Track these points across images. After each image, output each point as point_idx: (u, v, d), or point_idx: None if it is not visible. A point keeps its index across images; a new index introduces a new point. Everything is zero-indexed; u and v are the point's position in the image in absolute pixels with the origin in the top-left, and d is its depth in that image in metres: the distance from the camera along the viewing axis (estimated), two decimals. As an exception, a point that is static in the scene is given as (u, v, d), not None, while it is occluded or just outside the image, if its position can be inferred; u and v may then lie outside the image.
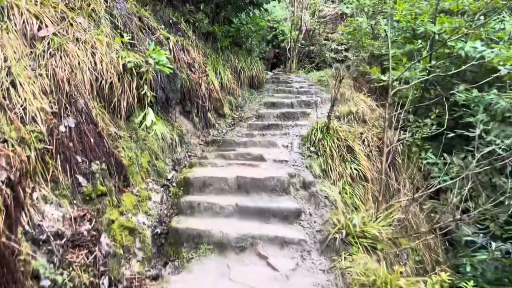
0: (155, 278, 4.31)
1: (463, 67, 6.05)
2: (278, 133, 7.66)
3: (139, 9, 6.78)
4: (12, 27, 4.14)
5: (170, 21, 7.92)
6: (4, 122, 3.46)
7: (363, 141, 7.16)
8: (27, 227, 3.26)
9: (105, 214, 4.16)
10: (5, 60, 3.80)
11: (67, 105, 4.24)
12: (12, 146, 3.36)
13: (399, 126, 7.01)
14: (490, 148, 6.38)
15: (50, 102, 4.07)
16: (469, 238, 6.27)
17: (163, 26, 7.38)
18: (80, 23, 5.01)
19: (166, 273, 4.35)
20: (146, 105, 5.69)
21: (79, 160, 4.10)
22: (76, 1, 5.23)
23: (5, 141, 3.33)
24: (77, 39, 4.80)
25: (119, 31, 5.74)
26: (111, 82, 5.00)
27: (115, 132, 4.99)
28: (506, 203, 5.66)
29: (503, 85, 6.92)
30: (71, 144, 4.07)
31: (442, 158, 7.52)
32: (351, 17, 13.33)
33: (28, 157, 3.50)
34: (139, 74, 5.45)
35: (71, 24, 4.87)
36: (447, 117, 6.01)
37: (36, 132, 3.70)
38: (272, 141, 7.04)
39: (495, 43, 7.45)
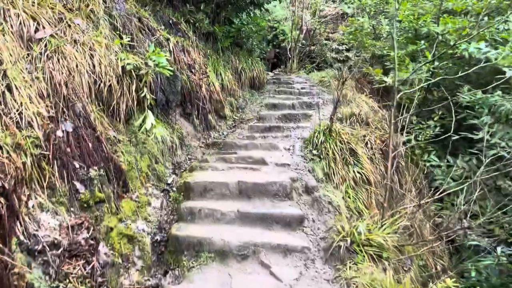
0: (155, 288, 4.22)
1: (471, 70, 5.92)
2: (279, 136, 7.55)
3: (139, 9, 6.67)
4: (8, 28, 4.02)
5: (170, 21, 7.81)
6: (-2, 128, 3.35)
7: (366, 143, 7.07)
8: (22, 237, 3.14)
9: (104, 222, 4.05)
10: (1, 63, 3.68)
11: (64, 109, 4.13)
12: (7, 152, 3.25)
13: (403, 129, 6.90)
14: (495, 151, 6.30)
15: (47, 106, 3.95)
16: (473, 243, 6.18)
17: (163, 27, 7.27)
18: (78, 24, 4.89)
19: (166, 283, 4.23)
20: (146, 107, 5.59)
21: (77, 166, 3.99)
22: (74, 1, 5.11)
23: (-1, 147, 3.22)
24: (75, 40, 4.68)
25: (118, 32, 5.63)
26: (110, 85, 4.88)
27: (114, 136, 4.88)
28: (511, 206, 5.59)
29: (507, 87, 6.82)
30: (68, 150, 3.96)
31: (445, 160, 7.43)
32: (352, 17, 13.24)
33: (24, 163, 3.38)
34: (138, 76, 5.33)
35: (69, 26, 4.75)
36: (453, 119, 5.89)
37: (32, 137, 3.58)
38: (274, 144, 6.93)
39: (499, 44, 7.35)
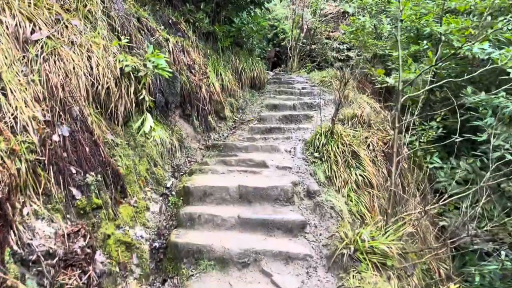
0: (153, 296, 4.12)
1: (477, 72, 5.81)
2: (280, 137, 7.45)
3: (138, 9, 6.56)
4: (4, 30, 3.91)
5: (170, 21, 7.69)
6: (-8, 133, 3.25)
7: (368, 145, 6.98)
8: (15, 247, 3.03)
9: (101, 229, 3.94)
10: (-5, 66, 3.58)
11: (61, 113, 4.02)
12: (1, 159, 3.14)
13: (405, 130, 6.81)
14: (499, 154, 6.21)
15: (43, 110, 3.85)
16: (478, 247, 6.10)
17: (162, 27, 7.16)
18: (75, 25, 4.78)
19: (165, 292, 4.14)
20: (145, 110, 5.49)
21: (73, 171, 3.89)
22: (71, 2, 5.00)
23: (-8, 154, 3.12)
24: (72, 42, 4.57)
25: (116, 33, 5.52)
26: (108, 87, 4.78)
27: (112, 140, 4.78)
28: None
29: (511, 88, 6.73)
30: (65, 154, 3.86)
31: (448, 162, 7.34)
32: (353, 16, 13.13)
33: (18, 169, 3.28)
34: (137, 78, 5.23)
35: (66, 27, 4.65)
36: (458, 121, 5.79)
37: (27, 142, 3.48)
38: (275, 146, 6.84)
39: (503, 44, 7.26)
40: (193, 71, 7.34)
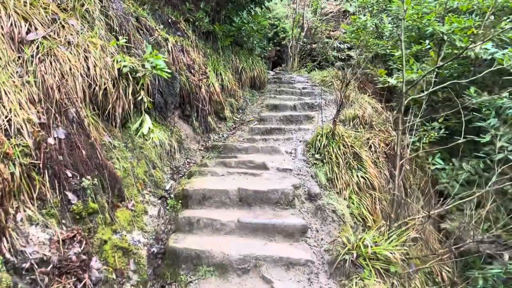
0: (150, 304, 4.02)
1: (482, 73, 5.72)
2: (281, 138, 7.36)
3: (137, 8, 6.46)
4: (-2, 30, 3.82)
5: (169, 20, 7.59)
6: (-16, 137, 3.15)
7: (370, 147, 6.89)
8: (7, 255, 2.94)
9: (97, 234, 3.84)
10: (-11, 67, 3.49)
11: (56, 115, 3.93)
12: (-6, 163, 3.06)
13: (408, 131, 6.71)
14: (502, 155, 6.13)
15: (38, 112, 3.75)
16: (482, 249, 6.01)
17: (161, 26, 7.05)
18: (72, 25, 4.69)
19: (163, 300, 4.04)
20: (143, 111, 5.40)
21: (69, 175, 3.79)
22: (68, 1, 4.90)
23: (-15, 158, 3.03)
24: (68, 42, 4.48)
25: (114, 33, 5.42)
26: (105, 88, 4.68)
27: (109, 142, 4.68)
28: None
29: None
30: (60, 158, 3.76)
31: (451, 163, 7.25)
32: (354, 15, 13.03)
33: (12, 174, 3.19)
34: (135, 79, 5.13)
35: (63, 26, 4.55)
36: (463, 122, 5.71)
37: (21, 146, 3.39)
38: (275, 147, 6.75)
39: (506, 44, 7.16)
40: (192, 71, 7.24)
